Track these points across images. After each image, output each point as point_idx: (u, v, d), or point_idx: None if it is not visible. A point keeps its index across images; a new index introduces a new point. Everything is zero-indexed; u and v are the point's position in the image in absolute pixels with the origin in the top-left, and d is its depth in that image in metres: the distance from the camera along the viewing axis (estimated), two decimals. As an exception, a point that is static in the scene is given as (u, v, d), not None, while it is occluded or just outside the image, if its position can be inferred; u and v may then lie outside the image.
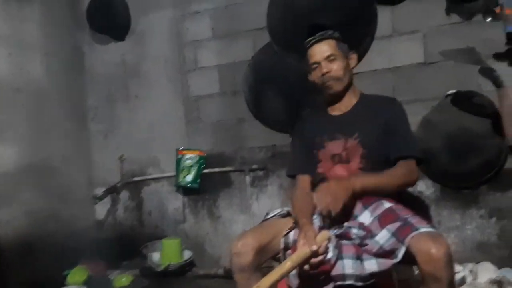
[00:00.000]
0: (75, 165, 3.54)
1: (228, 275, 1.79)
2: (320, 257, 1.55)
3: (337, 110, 2.02)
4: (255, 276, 1.67)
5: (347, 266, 1.61)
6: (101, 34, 3.61)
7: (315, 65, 1.98)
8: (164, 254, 3.10)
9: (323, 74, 1.95)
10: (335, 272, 1.61)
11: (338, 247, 1.65)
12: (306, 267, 1.53)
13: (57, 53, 3.46)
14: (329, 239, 1.61)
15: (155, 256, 3.16)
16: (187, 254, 3.18)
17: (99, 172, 3.66)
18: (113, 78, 3.64)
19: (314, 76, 2.00)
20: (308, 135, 2.04)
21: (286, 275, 1.46)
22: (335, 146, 1.93)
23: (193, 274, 3.16)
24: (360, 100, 2.02)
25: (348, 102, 2.01)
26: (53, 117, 3.37)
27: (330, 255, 1.61)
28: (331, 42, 1.97)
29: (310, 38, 1.99)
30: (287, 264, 1.48)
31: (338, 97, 2.01)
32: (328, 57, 1.94)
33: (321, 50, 1.96)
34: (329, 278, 1.63)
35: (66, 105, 3.52)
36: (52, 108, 3.37)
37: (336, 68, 1.94)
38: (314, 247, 1.53)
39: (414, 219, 1.64)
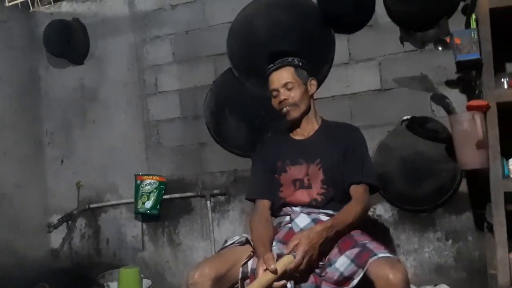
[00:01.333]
0: (30, 192, 3.43)
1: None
2: (282, 282, 1.53)
3: (299, 135, 2.05)
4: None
5: None
6: (58, 58, 3.53)
7: (274, 92, 2.00)
8: (122, 284, 2.99)
9: (280, 102, 1.97)
10: None
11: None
12: None
13: (12, 77, 3.38)
14: (286, 266, 1.60)
15: (113, 286, 3.05)
16: (146, 284, 3.09)
17: (55, 199, 3.55)
18: (70, 102, 3.57)
19: (274, 103, 2.03)
20: (269, 158, 2.04)
21: None
22: (297, 171, 1.94)
23: (152, 304, 3.07)
24: (322, 126, 2.05)
25: (309, 127, 2.03)
26: (7, 142, 3.27)
27: (288, 286, 1.60)
28: (290, 69, 1.99)
29: (270, 66, 2.02)
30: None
31: (298, 123, 2.03)
32: (286, 84, 1.97)
33: (280, 77, 1.98)
34: None
35: (21, 130, 3.42)
36: (6, 133, 3.27)
37: (293, 95, 1.97)
38: (273, 266, 1.53)
39: (373, 245, 1.66)
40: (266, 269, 1.56)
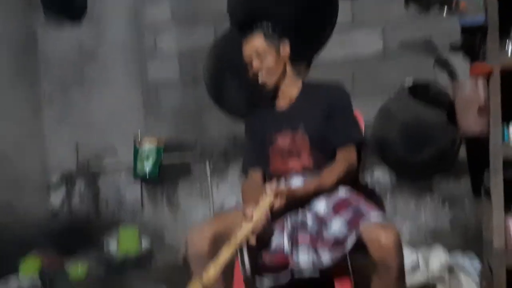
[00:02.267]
0: (29, 152, 3.42)
1: (186, 265, 1.76)
2: (257, 223, 1.54)
3: (282, 103, 1.99)
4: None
5: (303, 259, 1.63)
6: (56, 17, 3.46)
7: (248, 64, 1.93)
8: (122, 243, 3.04)
9: (254, 73, 1.92)
10: (291, 265, 1.63)
11: (293, 238, 1.66)
12: (252, 241, 1.53)
13: (9, 36, 3.31)
14: (270, 204, 1.61)
15: (112, 245, 3.09)
16: (145, 243, 3.14)
17: (54, 159, 3.55)
18: (68, 62, 3.52)
19: (250, 74, 1.95)
20: (257, 131, 2.01)
21: (231, 257, 1.44)
22: (283, 141, 1.92)
23: (151, 264, 3.11)
24: (303, 90, 1.98)
25: (290, 93, 1.97)
26: (5, 102, 3.24)
27: (286, 248, 1.62)
28: (259, 37, 1.90)
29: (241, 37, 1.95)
30: (230, 246, 1.46)
31: (277, 90, 1.98)
32: (256, 53, 1.89)
33: (250, 47, 1.90)
34: (286, 270, 1.64)
35: (19, 90, 3.39)
36: (4, 93, 3.24)
37: (266, 63, 1.89)
38: (248, 212, 1.54)
39: (366, 208, 1.67)
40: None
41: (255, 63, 1.89)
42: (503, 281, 2.10)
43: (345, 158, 1.83)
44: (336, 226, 1.62)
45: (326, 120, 1.88)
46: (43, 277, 2.69)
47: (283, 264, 1.63)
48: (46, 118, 3.58)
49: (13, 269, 2.88)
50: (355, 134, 1.90)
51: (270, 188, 1.64)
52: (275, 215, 1.66)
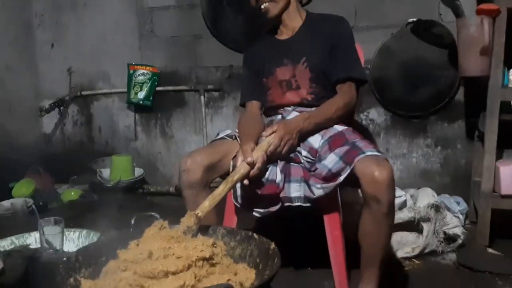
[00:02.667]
0: (20, 76, 3.35)
1: (179, 193, 1.78)
2: (256, 168, 1.54)
3: (284, 34, 1.94)
4: (203, 193, 1.66)
5: (294, 189, 1.64)
6: None
7: None
8: (115, 171, 3.06)
9: None
10: (282, 194, 1.64)
11: (286, 170, 1.66)
12: (246, 182, 1.53)
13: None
14: (269, 144, 1.61)
15: (105, 172, 3.12)
16: (138, 172, 3.16)
17: (46, 84, 3.49)
18: (60, -18, 3.37)
19: (252, 1, 1.89)
20: (256, 62, 1.96)
21: (226, 193, 1.45)
22: (283, 73, 1.88)
23: (144, 191, 3.16)
24: (306, 21, 1.93)
25: (293, 24, 1.92)
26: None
27: (278, 179, 1.63)
28: None
29: None
30: (227, 183, 1.46)
31: (280, 20, 1.92)
32: None
33: None
34: (277, 200, 1.65)
35: (10, 10, 3.26)
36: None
37: None
38: (249, 159, 1.52)
39: (362, 143, 1.66)
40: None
41: None
42: (487, 222, 2.16)
43: (345, 93, 1.81)
44: (331, 160, 1.62)
45: (329, 53, 1.83)
46: (37, 198, 2.72)
47: (274, 194, 1.64)
48: (38, 41, 3.47)
49: (7, 193, 2.90)
50: (357, 71, 1.86)
51: (271, 129, 1.62)
52: (277, 156, 1.66)
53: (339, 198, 1.74)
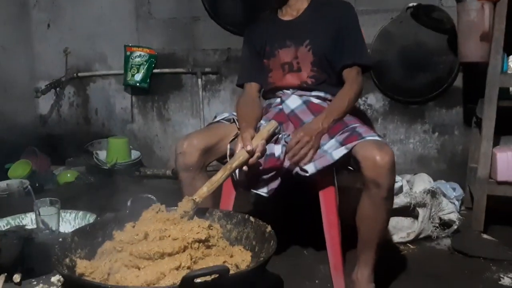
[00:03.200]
0: (16, 56, 3.31)
1: (176, 176, 1.77)
2: (255, 157, 1.54)
3: (288, 15, 1.91)
4: (200, 176, 1.66)
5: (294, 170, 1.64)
6: None
7: None
8: (111, 153, 3.04)
9: None
10: (282, 170, 1.64)
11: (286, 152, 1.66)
12: (245, 168, 1.53)
13: None
14: (269, 133, 1.61)
15: (102, 154, 3.10)
16: (135, 154, 3.15)
17: (42, 65, 3.46)
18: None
19: None
20: (257, 42, 1.94)
21: (224, 180, 1.45)
22: (285, 55, 1.86)
23: (140, 174, 3.15)
24: (312, 3, 1.90)
25: (298, 5, 1.89)
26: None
27: (278, 152, 1.62)
28: None
29: None
30: (225, 170, 1.46)
31: (286, 1, 1.89)
32: None
33: None
34: (277, 175, 1.65)
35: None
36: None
37: None
38: (249, 147, 1.52)
39: (362, 129, 1.66)
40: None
41: None
42: (483, 208, 2.17)
43: (353, 81, 1.80)
44: (330, 145, 1.62)
45: (333, 38, 1.82)
46: (33, 180, 2.71)
47: (274, 167, 1.63)
48: (34, 22, 3.43)
49: (3, 174, 2.89)
50: (363, 57, 1.85)
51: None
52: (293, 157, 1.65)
53: (336, 181, 1.74)
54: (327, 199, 1.71)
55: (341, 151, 1.55)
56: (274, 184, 1.65)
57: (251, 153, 1.51)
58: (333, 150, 1.60)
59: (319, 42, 1.83)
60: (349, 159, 1.58)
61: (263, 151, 1.56)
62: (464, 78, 2.61)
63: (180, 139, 1.71)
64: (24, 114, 3.37)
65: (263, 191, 1.65)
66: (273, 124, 1.64)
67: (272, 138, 1.66)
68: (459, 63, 2.51)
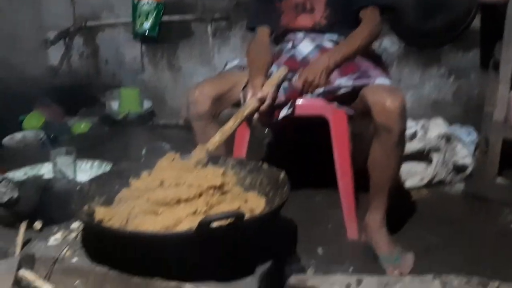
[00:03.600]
0: (23, 7, 3.25)
1: (187, 125, 1.77)
2: (266, 104, 1.53)
3: None
4: (212, 124, 1.66)
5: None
6: None
7: None
8: (123, 103, 3.05)
9: None
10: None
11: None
12: (256, 116, 1.53)
13: None
14: (279, 80, 1.59)
15: (114, 105, 3.11)
16: (146, 104, 3.15)
17: (49, 15, 3.39)
18: None
19: None
20: None
21: (236, 128, 1.45)
22: None
23: (152, 124, 3.16)
24: None
25: None
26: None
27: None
28: None
29: None
30: (237, 118, 1.45)
31: None
32: None
33: None
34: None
35: None
36: None
37: None
38: (259, 95, 1.51)
39: (374, 72, 1.63)
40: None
41: None
42: (497, 152, 2.14)
43: (368, 21, 1.74)
44: (340, 82, 1.60)
45: None
46: (47, 131, 2.74)
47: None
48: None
49: (18, 126, 2.92)
50: None
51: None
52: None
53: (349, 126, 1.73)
54: (340, 143, 1.71)
55: (348, 83, 1.53)
56: (285, 112, 1.65)
57: (262, 101, 1.50)
58: (344, 85, 1.60)
59: None
60: (359, 101, 1.57)
61: (274, 98, 1.55)
62: (482, 20, 2.52)
63: (191, 88, 1.70)
64: (34, 65, 3.35)
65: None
66: (284, 70, 1.62)
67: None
68: (478, 4, 2.41)
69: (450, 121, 2.44)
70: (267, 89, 1.53)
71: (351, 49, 1.69)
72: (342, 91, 1.58)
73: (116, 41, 3.32)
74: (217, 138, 1.37)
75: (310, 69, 1.63)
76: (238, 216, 0.94)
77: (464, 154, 2.13)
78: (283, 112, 1.63)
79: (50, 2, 3.38)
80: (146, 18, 3.08)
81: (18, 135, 2.71)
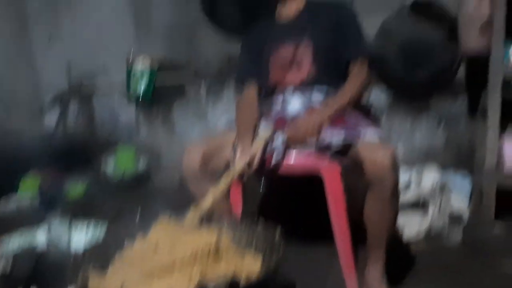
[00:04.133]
0: (18, 72, 3.33)
1: (184, 184, 1.80)
2: (253, 168, 1.56)
3: (284, 17, 1.92)
4: (205, 183, 1.64)
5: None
6: None
7: None
8: (119, 163, 3.06)
9: None
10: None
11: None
12: (244, 179, 1.56)
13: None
14: (266, 141, 1.62)
15: (110, 165, 3.12)
16: (142, 163, 3.16)
17: (45, 79, 3.47)
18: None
19: None
20: (256, 43, 1.94)
21: (227, 187, 1.48)
22: (285, 52, 1.86)
23: (148, 184, 3.16)
24: (307, 5, 1.91)
25: (294, 7, 1.90)
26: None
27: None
28: None
29: None
30: (228, 178, 1.49)
31: (282, 2, 1.90)
32: None
33: None
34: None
35: (2, 5, 3.23)
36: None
37: None
38: (247, 159, 1.55)
39: (364, 124, 1.66)
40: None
41: None
42: (492, 200, 2.15)
43: (359, 73, 1.80)
44: (332, 142, 1.63)
45: (334, 32, 1.82)
46: (42, 195, 2.73)
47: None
48: (34, 36, 3.45)
49: (12, 190, 2.91)
50: (367, 48, 1.85)
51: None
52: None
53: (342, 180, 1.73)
54: (336, 200, 1.70)
55: (339, 139, 1.58)
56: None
57: (250, 164, 1.54)
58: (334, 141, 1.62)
59: (318, 38, 1.82)
60: (351, 153, 1.59)
61: (261, 159, 1.58)
62: (467, 70, 2.59)
63: (185, 149, 1.73)
64: (30, 129, 3.39)
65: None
66: (270, 132, 1.65)
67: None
68: (461, 55, 2.49)
69: (443, 168, 2.46)
70: (254, 151, 1.57)
71: (343, 103, 1.72)
72: (333, 148, 1.59)
73: (111, 104, 3.37)
74: (209, 199, 1.39)
75: (297, 131, 1.66)
76: (232, 284, 0.93)
77: (459, 203, 2.13)
78: (275, 158, 1.66)
79: (45, 66, 3.44)
80: (140, 82, 3.14)
81: (13, 199, 2.70)
